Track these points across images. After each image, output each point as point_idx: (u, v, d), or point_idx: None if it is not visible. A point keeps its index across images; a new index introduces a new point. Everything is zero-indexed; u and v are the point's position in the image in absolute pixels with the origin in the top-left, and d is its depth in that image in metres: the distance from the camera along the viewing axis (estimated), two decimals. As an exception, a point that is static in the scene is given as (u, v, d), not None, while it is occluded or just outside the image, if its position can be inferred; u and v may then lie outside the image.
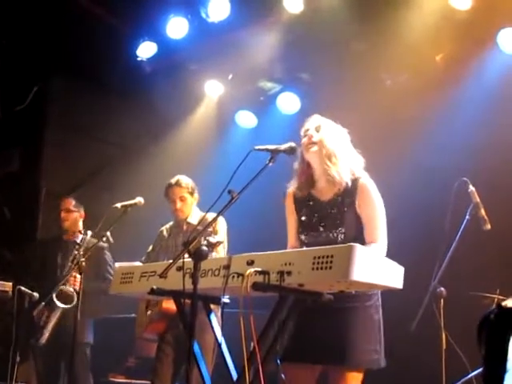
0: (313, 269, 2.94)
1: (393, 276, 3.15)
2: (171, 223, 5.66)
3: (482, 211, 4.78)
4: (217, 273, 3.26)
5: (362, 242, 3.63)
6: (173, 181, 5.50)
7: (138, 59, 7.51)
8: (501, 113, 6.00)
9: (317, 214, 3.84)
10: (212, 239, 3.37)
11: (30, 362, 6.05)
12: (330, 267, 2.89)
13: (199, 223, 5.18)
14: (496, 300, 4.83)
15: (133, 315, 6.14)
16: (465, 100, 6.21)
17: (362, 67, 6.70)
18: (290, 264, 3.02)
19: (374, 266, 3.01)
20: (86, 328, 6.06)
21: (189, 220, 5.49)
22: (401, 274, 3.19)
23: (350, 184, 3.78)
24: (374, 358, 3.65)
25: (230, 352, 3.53)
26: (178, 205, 5.45)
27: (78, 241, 6.14)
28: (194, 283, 3.07)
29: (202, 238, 3.31)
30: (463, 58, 6.30)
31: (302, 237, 3.86)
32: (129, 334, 5.92)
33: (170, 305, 4.88)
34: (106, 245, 6.14)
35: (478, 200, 4.81)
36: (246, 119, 8.06)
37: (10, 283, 5.68)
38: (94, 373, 6.15)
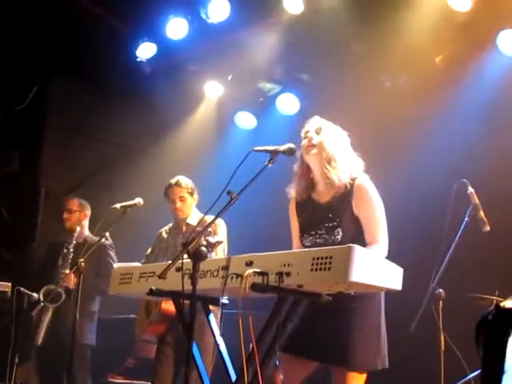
0: (312, 270, 2.94)
1: (392, 277, 3.15)
2: (170, 225, 5.67)
3: (481, 213, 4.78)
4: (216, 274, 3.27)
5: (362, 244, 3.62)
6: (173, 181, 5.52)
7: (138, 60, 7.51)
8: (500, 114, 6.00)
9: (315, 216, 3.85)
10: (212, 239, 3.37)
11: (30, 363, 6.04)
12: (329, 268, 2.90)
13: (198, 224, 5.21)
14: (495, 301, 4.82)
15: (132, 316, 6.14)
16: (464, 101, 6.20)
17: (361, 68, 6.70)
18: (288, 265, 3.02)
19: (373, 268, 3.01)
20: (86, 329, 6.04)
21: (188, 221, 5.50)
22: (400, 276, 3.19)
23: (348, 186, 3.78)
24: (375, 360, 3.65)
25: (228, 353, 3.53)
26: (178, 204, 5.46)
27: (81, 241, 6.13)
28: (193, 284, 3.07)
29: (202, 238, 3.32)
30: (463, 59, 6.29)
31: (303, 239, 3.87)
32: (128, 335, 5.92)
33: (169, 306, 4.87)
34: (108, 242, 6.14)
35: (478, 201, 4.81)
36: (246, 120, 8.06)
37: (9, 283, 5.67)
38: (93, 373, 6.14)
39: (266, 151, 3.50)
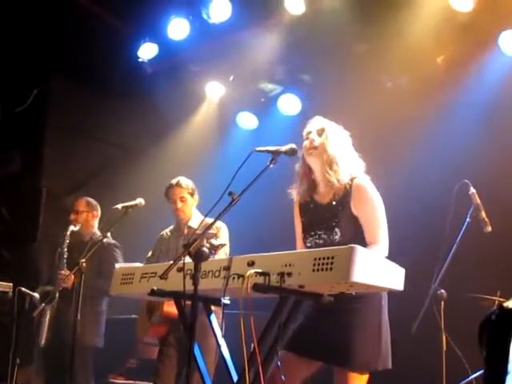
0: (313, 270, 2.94)
1: (393, 278, 3.15)
2: (171, 227, 5.66)
3: (483, 213, 4.78)
4: (217, 274, 3.26)
5: (361, 244, 3.62)
6: (173, 181, 5.52)
7: (139, 60, 7.52)
8: (502, 114, 5.99)
9: (316, 217, 3.86)
10: (215, 242, 3.37)
11: (32, 364, 6.03)
12: (331, 269, 2.90)
13: (199, 227, 5.20)
14: (496, 302, 4.82)
15: (133, 316, 6.14)
16: (466, 102, 6.20)
17: (362, 69, 6.70)
18: (290, 265, 3.02)
19: (375, 268, 3.01)
20: (90, 330, 6.01)
21: (190, 224, 5.49)
22: (402, 276, 3.19)
23: (347, 186, 3.78)
24: (376, 360, 3.64)
25: (230, 353, 3.53)
26: (179, 205, 5.46)
27: (86, 240, 6.09)
28: (195, 284, 3.07)
29: (205, 241, 3.32)
30: (464, 59, 6.29)
31: (305, 240, 3.88)
32: (129, 335, 5.91)
33: (171, 309, 4.87)
34: (113, 242, 6.13)
35: (479, 202, 4.80)
36: (247, 120, 8.06)
37: (10, 284, 5.66)
38: (94, 374, 6.13)
39: (268, 152, 3.51)
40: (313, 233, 3.82)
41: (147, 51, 7.46)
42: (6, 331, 5.93)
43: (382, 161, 5.44)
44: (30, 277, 6.41)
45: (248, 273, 3.05)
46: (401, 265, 3.19)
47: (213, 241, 3.36)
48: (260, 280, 3.05)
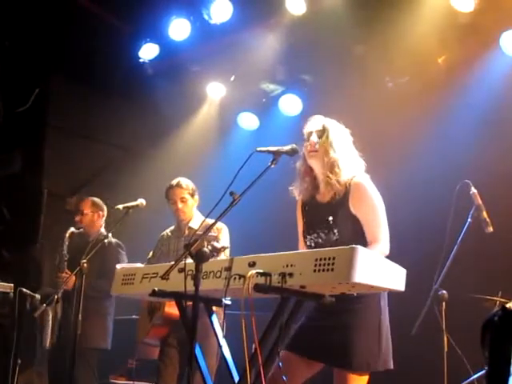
0: (315, 271, 2.94)
1: (395, 278, 3.14)
2: (172, 228, 5.65)
3: (484, 214, 4.77)
4: (218, 274, 3.26)
5: (361, 243, 3.62)
6: (173, 182, 5.50)
7: (140, 61, 7.52)
8: (503, 115, 5.99)
9: (316, 216, 3.86)
10: (217, 244, 3.37)
11: (33, 366, 6.02)
12: (332, 269, 2.89)
13: (200, 227, 5.20)
14: (498, 303, 4.82)
15: (134, 317, 6.13)
16: (467, 102, 6.20)
17: (364, 69, 6.70)
18: (291, 266, 3.01)
19: (376, 268, 3.01)
20: (97, 332, 6.00)
21: (190, 224, 5.48)
22: (403, 277, 3.18)
23: (346, 185, 3.78)
24: (376, 361, 3.64)
25: (231, 354, 3.53)
26: (179, 205, 5.44)
27: (91, 241, 6.08)
28: (196, 285, 3.06)
29: (206, 243, 3.31)
30: (466, 60, 6.28)
31: (305, 240, 3.88)
32: (130, 336, 5.90)
33: (172, 310, 4.87)
34: (117, 242, 6.12)
35: (480, 202, 4.79)
36: (248, 121, 8.05)
37: (11, 284, 5.66)
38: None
39: (269, 152, 3.50)
40: (312, 232, 3.83)
41: (148, 51, 7.46)
42: (6, 332, 5.94)
43: (383, 161, 5.45)
44: (32, 278, 6.41)
45: (249, 273, 3.05)
46: (402, 265, 3.19)
47: (215, 243, 3.36)
48: (261, 280, 3.05)
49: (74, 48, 7.29)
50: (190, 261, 3.16)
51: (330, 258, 2.91)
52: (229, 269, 3.21)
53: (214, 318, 3.68)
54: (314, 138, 3.85)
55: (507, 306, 1.91)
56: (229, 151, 7.74)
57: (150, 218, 6.53)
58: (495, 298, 4.87)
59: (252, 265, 3.13)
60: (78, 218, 6.23)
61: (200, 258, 3.09)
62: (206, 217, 3.60)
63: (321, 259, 2.93)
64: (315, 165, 3.88)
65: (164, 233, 5.68)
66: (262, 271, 3.06)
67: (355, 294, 3.32)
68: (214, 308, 3.75)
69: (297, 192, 3.98)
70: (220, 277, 3.25)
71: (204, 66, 7.58)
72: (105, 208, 6.32)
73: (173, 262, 3.28)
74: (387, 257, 3.50)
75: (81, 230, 6.22)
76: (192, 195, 5.49)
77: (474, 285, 5.33)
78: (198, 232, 4.10)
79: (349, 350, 3.57)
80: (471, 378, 4.71)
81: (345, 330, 3.61)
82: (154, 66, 7.60)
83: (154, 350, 5.67)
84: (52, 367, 5.97)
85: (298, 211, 4.03)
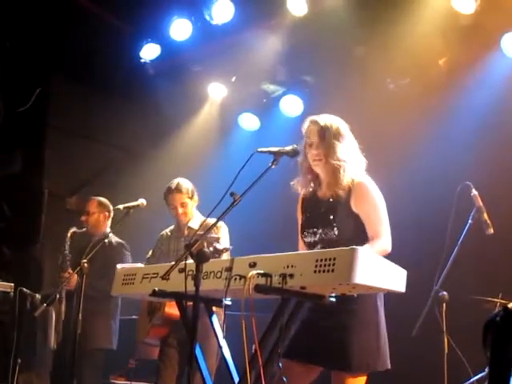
0: (315, 271, 2.93)
1: (395, 279, 3.14)
2: (172, 227, 5.63)
3: (485, 215, 4.77)
4: (219, 275, 3.26)
5: (362, 240, 3.63)
6: (172, 186, 5.42)
7: (142, 61, 7.52)
8: (504, 117, 5.99)
9: (317, 213, 3.85)
10: (219, 246, 3.37)
11: (35, 367, 6.02)
12: (333, 270, 2.89)
13: (200, 228, 5.19)
14: (498, 304, 4.82)
15: (134, 317, 6.13)
16: (468, 104, 6.20)
17: (365, 71, 6.70)
18: (292, 266, 3.01)
19: (377, 269, 3.01)
20: (102, 332, 5.99)
21: (190, 225, 5.46)
22: (403, 278, 3.18)
23: (348, 184, 3.78)
24: (375, 361, 3.63)
25: (231, 355, 3.52)
26: (180, 210, 5.41)
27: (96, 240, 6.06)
28: (196, 285, 3.06)
29: (208, 245, 3.31)
30: (467, 62, 6.28)
31: (303, 236, 3.88)
32: (130, 336, 5.91)
33: (173, 310, 4.87)
34: (121, 242, 6.11)
35: (481, 204, 4.79)
36: (249, 121, 8.05)
37: (12, 284, 5.66)
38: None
39: (270, 152, 3.50)
40: (312, 229, 3.82)
41: (149, 52, 7.46)
42: (7, 331, 5.93)
43: (384, 162, 5.44)
44: (32, 277, 6.40)
45: (250, 274, 3.05)
46: (402, 266, 3.19)
47: (217, 245, 3.36)
48: (262, 281, 3.05)
49: (75, 48, 7.29)
50: (190, 261, 3.16)
51: (330, 259, 2.91)
52: (229, 269, 3.21)
53: (215, 319, 3.68)
54: (315, 149, 3.83)
55: (509, 306, 1.91)
56: (229, 152, 7.74)
57: (150, 218, 6.53)
58: (496, 300, 4.87)
59: (252, 265, 3.13)
60: (83, 218, 6.22)
61: (200, 258, 3.09)
62: (207, 217, 3.59)
63: (321, 260, 2.93)
64: (319, 170, 3.88)
65: (163, 232, 5.67)
66: (262, 272, 3.06)
67: (355, 296, 3.32)
68: (214, 308, 3.74)
69: (299, 186, 3.97)
70: (220, 277, 3.24)
71: (205, 66, 7.58)
72: (111, 208, 6.29)
73: (173, 263, 3.28)
74: (387, 257, 3.50)
75: (83, 229, 6.21)
76: (191, 197, 5.45)
77: (475, 286, 5.33)
78: (198, 232, 4.10)
79: (348, 352, 3.57)
80: (471, 380, 4.71)
81: (343, 331, 3.60)
82: (155, 66, 7.60)
83: (154, 350, 5.68)
84: (56, 367, 5.97)
85: (298, 208, 4.03)
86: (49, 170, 7.86)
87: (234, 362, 3.49)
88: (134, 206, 5.15)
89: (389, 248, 3.66)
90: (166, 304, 5.07)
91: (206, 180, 6.04)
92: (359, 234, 3.69)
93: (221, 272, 3.25)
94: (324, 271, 2.91)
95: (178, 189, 5.40)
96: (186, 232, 5.46)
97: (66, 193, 8.11)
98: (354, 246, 2.93)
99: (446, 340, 4.54)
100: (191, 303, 3.18)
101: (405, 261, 3.30)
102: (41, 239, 7.58)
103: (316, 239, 3.78)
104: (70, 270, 5.85)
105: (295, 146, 3.57)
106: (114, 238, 6.13)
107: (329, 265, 2.91)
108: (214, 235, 3.46)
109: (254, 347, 3.15)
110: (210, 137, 8.09)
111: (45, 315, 5.78)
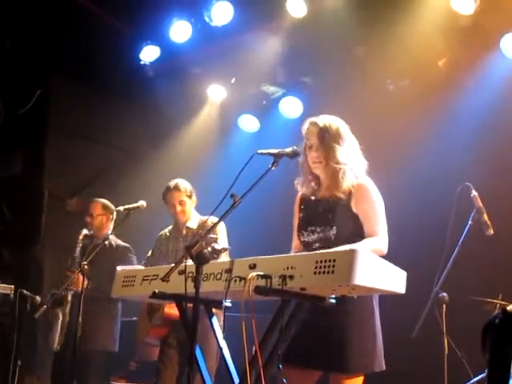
0: (315, 273, 2.93)
1: (395, 281, 3.14)
2: (170, 227, 5.65)
3: (485, 216, 4.77)
4: (219, 277, 3.26)
5: (360, 240, 3.63)
6: (171, 185, 5.48)
7: (141, 63, 7.53)
8: (504, 118, 5.99)
9: (315, 212, 3.85)
10: (217, 246, 3.37)
11: (36, 369, 6.00)
12: (333, 271, 2.89)
13: (199, 228, 5.20)
14: (498, 305, 4.82)
15: (134, 319, 6.13)
16: (467, 105, 6.20)
17: (364, 72, 6.70)
18: (292, 268, 3.01)
19: (377, 271, 3.01)
20: (105, 334, 5.98)
21: (188, 225, 5.47)
22: (403, 279, 3.18)
23: (349, 186, 3.78)
24: (372, 362, 3.63)
25: (231, 356, 3.53)
26: (178, 208, 5.44)
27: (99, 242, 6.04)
28: (196, 287, 3.06)
29: (204, 243, 3.31)
30: (466, 62, 6.28)
31: (300, 235, 3.87)
32: (130, 338, 5.91)
33: (172, 310, 4.87)
34: (126, 245, 6.10)
35: (481, 205, 4.79)
36: (249, 123, 8.05)
37: (12, 286, 5.66)
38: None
39: (270, 154, 3.50)
40: (309, 228, 3.82)
41: (149, 53, 7.47)
42: (7, 333, 5.93)
43: (384, 163, 5.44)
44: (32, 279, 6.40)
45: (250, 275, 3.05)
46: (402, 267, 3.19)
47: (216, 245, 3.36)
48: (262, 283, 3.05)
49: (75, 49, 7.30)
50: (190, 263, 3.16)
51: (330, 261, 2.91)
52: (229, 271, 3.21)
53: (214, 320, 3.69)
54: (315, 151, 3.83)
55: (508, 308, 1.91)
56: (229, 153, 7.74)
57: (150, 219, 6.52)
58: (496, 301, 4.87)
59: (252, 267, 3.13)
60: (88, 220, 6.20)
61: (200, 259, 3.09)
62: (208, 217, 3.59)
63: (321, 261, 2.93)
64: (319, 172, 3.88)
65: (162, 232, 5.67)
66: (262, 273, 3.06)
67: (355, 297, 3.32)
68: (214, 310, 3.74)
69: (299, 186, 3.97)
70: (220, 279, 3.25)
71: (205, 68, 7.58)
72: (114, 211, 6.29)
73: (173, 264, 3.28)
74: (387, 258, 3.50)
75: (92, 232, 6.21)
76: (190, 197, 5.48)
77: (475, 287, 5.33)
78: (198, 232, 4.11)
79: (346, 353, 3.56)
80: (472, 381, 4.70)
81: (340, 331, 3.59)
82: (155, 67, 7.61)
83: (154, 351, 5.68)
84: (57, 369, 5.96)
85: (295, 207, 4.02)
86: (49, 171, 7.86)
87: (234, 363, 3.49)
88: (134, 208, 5.15)
89: (384, 249, 3.65)
90: (165, 304, 5.08)
91: (205, 181, 6.04)
92: (357, 235, 3.69)
93: (221, 274, 3.25)
94: (324, 273, 2.91)
95: (177, 187, 5.45)
96: (184, 232, 5.48)
97: (66, 194, 8.12)
98: (354, 248, 2.94)
99: (446, 341, 4.54)
100: (191, 305, 3.18)
101: (405, 262, 3.30)
102: (41, 240, 7.58)
103: (314, 238, 3.78)
104: (71, 273, 5.85)
105: (295, 147, 3.57)
106: (117, 241, 6.14)
107: (329, 266, 2.91)
108: (212, 235, 3.46)
109: (254, 348, 3.15)
110: (209, 138, 8.09)
111: (51, 316, 5.77)
